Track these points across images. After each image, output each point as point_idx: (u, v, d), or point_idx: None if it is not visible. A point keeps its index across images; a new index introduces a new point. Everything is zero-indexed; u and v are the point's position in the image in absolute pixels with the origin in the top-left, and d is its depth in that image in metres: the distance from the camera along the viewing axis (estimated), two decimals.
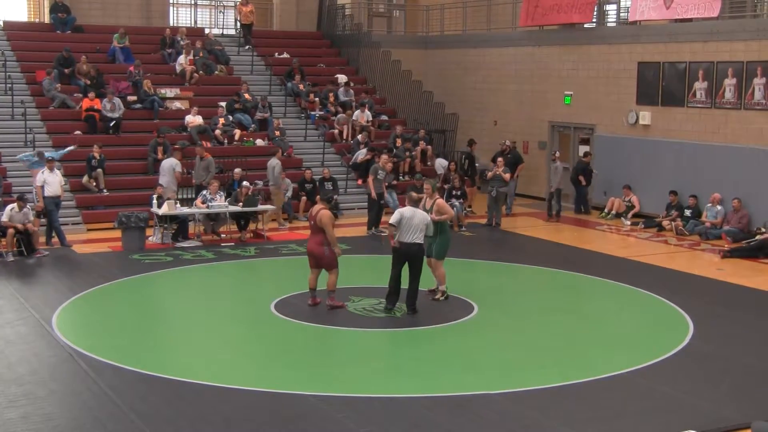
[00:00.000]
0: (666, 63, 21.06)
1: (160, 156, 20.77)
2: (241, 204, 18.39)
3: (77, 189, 20.00)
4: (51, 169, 17.52)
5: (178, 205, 18.35)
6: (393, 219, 12.64)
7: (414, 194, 13.04)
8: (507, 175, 20.45)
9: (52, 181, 17.44)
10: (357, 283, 14.03)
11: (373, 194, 19.18)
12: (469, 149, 23.79)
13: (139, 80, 23.50)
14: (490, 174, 20.85)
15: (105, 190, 20.11)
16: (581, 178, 22.07)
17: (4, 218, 16.34)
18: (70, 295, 13.68)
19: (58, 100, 22.31)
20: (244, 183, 19.04)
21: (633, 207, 21.20)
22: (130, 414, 8.91)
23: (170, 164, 19.43)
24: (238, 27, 28.13)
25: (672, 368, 10.59)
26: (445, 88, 27.58)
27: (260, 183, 21.17)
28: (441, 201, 13.63)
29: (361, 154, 22.31)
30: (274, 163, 20.26)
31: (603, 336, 12.19)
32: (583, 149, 23.31)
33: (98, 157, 20.03)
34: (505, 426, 8.80)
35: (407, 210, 12.64)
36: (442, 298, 13.44)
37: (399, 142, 23.48)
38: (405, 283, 12.77)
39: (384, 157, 20.08)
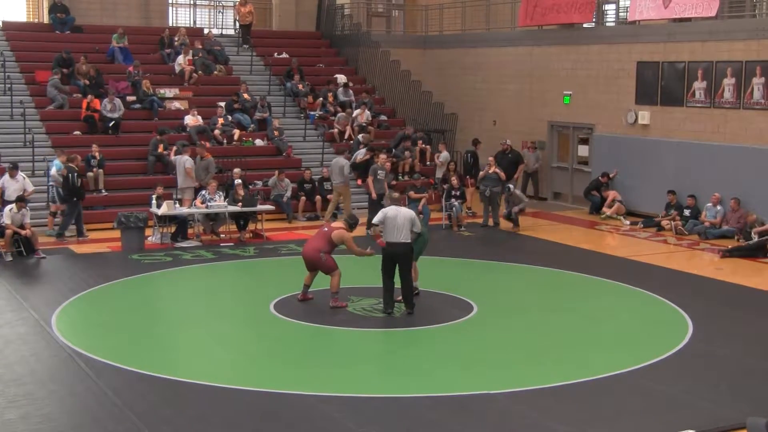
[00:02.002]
0: (665, 63, 21.06)
1: (161, 150, 20.75)
2: (240, 204, 18.39)
3: None
4: (12, 176, 17.60)
5: (177, 205, 18.35)
6: (376, 219, 12.63)
7: (395, 194, 13.07)
8: (502, 173, 20.49)
9: (8, 186, 17.52)
10: (356, 283, 14.02)
11: (374, 195, 19.16)
12: (475, 148, 23.76)
13: (138, 80, 23.50)
14: (482, 173, 20.83)
15: (104, 191, 20.11)
16: (595, 192, 22.11)
17: (6, 220, 16.35)
18: (69, 295, 13.67)
19: (57, 102, 22.29)
20: (237, 181, 19.03)
21: (619, 201, 21.18)
22: (129, 414, 8.90)
23: (182, 162, 19.37)
24: (237, 27, 28.14)
25: (671, 368, 10.60)
26: (444, 88, 27.58)
27: (259, 183, 21.19)
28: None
29: (360, 154, 22.28)
30: (343, 162, 20.31)
31: (602, 335, 12.19)
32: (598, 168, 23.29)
33: (97, 157, 20.04)
34: (504, 425, 8.81)
35: (390, 209, 12.61)
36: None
37: (408, 144, 23.58)
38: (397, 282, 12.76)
39: (382, 156, 20.11)
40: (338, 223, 13.41)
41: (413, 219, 12.63)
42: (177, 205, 18.24)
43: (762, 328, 12.38)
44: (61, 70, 23.07)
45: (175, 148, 20.61)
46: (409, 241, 12.53)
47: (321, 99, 25.34)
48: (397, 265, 12.57)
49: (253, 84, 25.54)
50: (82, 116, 21.94)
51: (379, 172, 19.42)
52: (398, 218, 12.45)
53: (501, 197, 20.43)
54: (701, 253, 17.86)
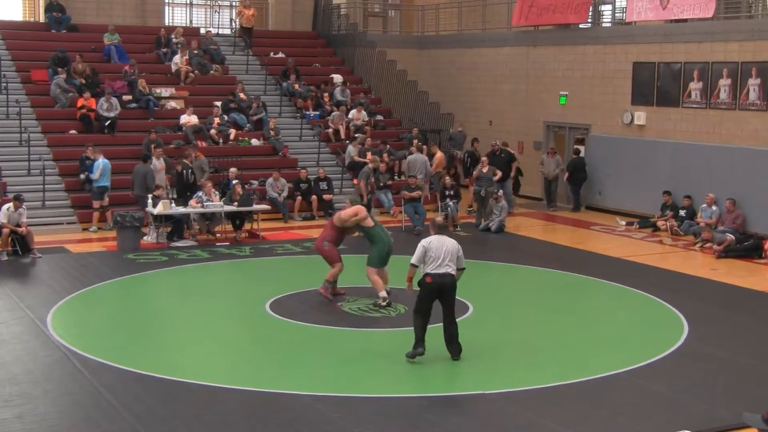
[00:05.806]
0: (661, 63, 21.09)
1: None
2: (236, 203, 18.37)
3: (72, 188, 19.97)
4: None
5: (173, 204, 18.32)
6: (415, 258, 10.60)
7: (439, 219, 11.26)
8: (498, 174, 20.51)
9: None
10: (352, 283, 14.03)
11: (365, 199, 19.27)
12: (473, 148, 23.76)
13: (134, 79, 23.46)
14: (475, 172, 20.82)
15: None
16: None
17: (2, 219, 16.31)
18: (64, 295, 13.66)
19: (61, 102, 22.21)
20: (235, 181, 19.05)
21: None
22: (124, 413, 8.90)
23: (153, 165, 19.41)
24: (235, 28, 28.10)
25: (667, 368, 10.61)
26: (440, 88, 27.59)
27: (255, 183, 21.17)
28: (346, 211, 13.44)
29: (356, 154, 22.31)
30: (423, 158, 20.88)
31: (598, 336, 12.20)
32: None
33: (91, 158, 19.96)
34: (500, 426, 8.81)
35: (433, 239, 10.69)
36: (384, 303, 12.97)
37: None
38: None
39: (375, 158, 20.24)
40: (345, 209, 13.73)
41: (460, 250, 10.71)
42: (173, 205, 18.22)
43: (757, 329, 12.40)
44: (56, 69, 23.02)
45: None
46: (454, 273, 10.63)
47: (316, 98, 25.33)
48: (441, 302, 10.71)
49: (250, 84, 25.50)
50: (77, 115, 21.89)
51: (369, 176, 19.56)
52: (444, 247, 10.58)
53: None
54: (697, 253, 17.89)
